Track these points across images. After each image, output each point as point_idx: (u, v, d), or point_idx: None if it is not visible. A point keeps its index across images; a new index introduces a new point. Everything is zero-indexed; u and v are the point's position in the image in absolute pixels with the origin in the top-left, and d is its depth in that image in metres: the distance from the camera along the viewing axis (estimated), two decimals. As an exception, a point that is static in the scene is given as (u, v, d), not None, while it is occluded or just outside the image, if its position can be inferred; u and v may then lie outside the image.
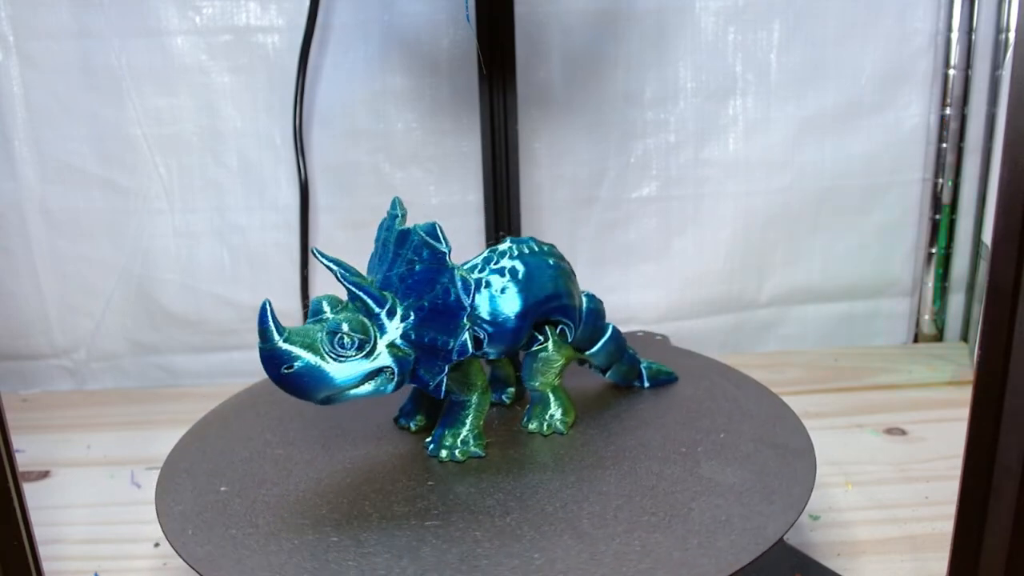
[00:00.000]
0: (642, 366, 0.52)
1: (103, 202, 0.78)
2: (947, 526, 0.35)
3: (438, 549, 0.35)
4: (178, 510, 0.39)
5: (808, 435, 0.44)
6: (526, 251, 0.44)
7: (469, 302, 0.39)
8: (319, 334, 0.37)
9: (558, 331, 0.46)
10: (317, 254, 0.39)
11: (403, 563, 0.34)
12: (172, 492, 0.41)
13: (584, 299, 0.48)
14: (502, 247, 0.44)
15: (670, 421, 0.47)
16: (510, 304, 0.43)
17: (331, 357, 0.37)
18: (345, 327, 0.37)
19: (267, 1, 0.75)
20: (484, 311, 0.43)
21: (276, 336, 0.36)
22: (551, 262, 0.45)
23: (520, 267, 0.43)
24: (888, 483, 0.58)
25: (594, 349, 0.49)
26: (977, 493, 0.31)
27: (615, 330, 0.50)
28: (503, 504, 0.38)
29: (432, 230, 0.40)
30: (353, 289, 0.39)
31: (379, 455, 0.44)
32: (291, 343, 0.36)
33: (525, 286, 0.43)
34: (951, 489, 0.32)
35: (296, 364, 0.36)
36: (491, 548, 0.35)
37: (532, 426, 0.46)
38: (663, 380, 0.53)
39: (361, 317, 0.38)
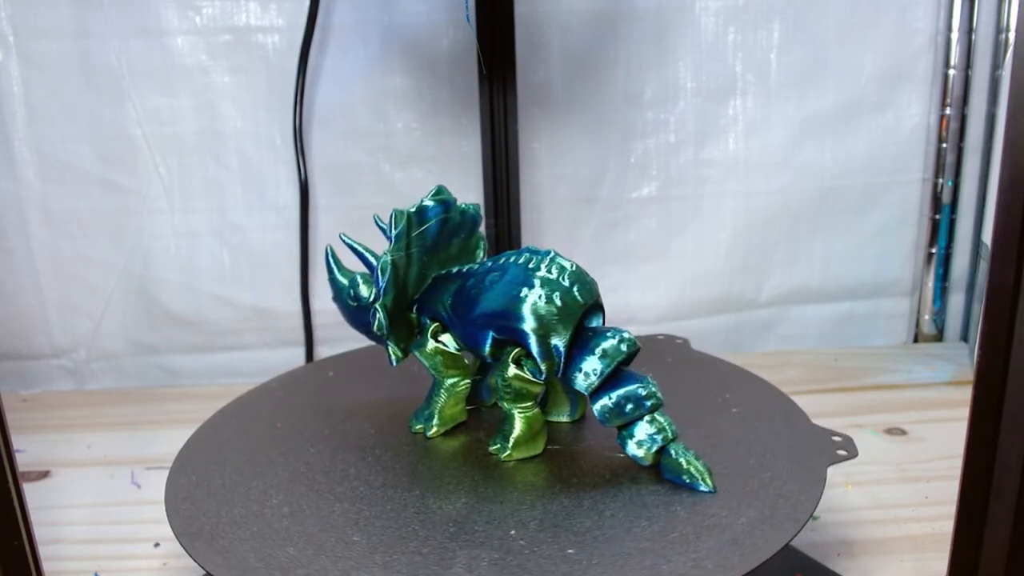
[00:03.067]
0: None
1: (103, 202, 0.78)
2: (947, 526, 0.35)
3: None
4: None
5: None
6: (523, 261, 0.42)
7: (379, 287, 0.43)
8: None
9: (512, 355, 0.42)
10: (344, 238, 0.46)
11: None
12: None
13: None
14: (526, 253, 0.43)
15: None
16: (467, 302, 0.43)
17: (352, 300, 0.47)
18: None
19: (267, 1, 0.75)
20: (449, 300, 0.44)
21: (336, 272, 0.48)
22: (533, 281, 0.41)
23: (499, 275, 0.42)
24: (888, 483, 0.58)
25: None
26: (977, 493, 0.31)
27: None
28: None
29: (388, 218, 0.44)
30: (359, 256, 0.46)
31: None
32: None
33: (488, 292, 0.42)
34: (951, 489, 0.32)
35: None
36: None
37: (491, 447, 0.44)
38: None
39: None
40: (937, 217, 0.83)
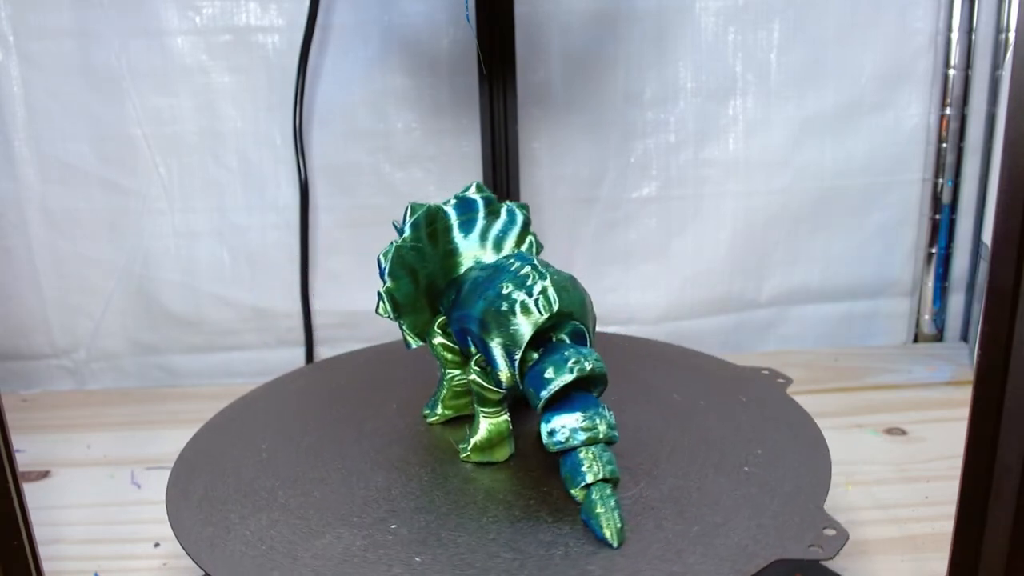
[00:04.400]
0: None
1: (103, 202, 0.78)
2: (947, 526, 0.35)
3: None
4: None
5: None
6: (506, 265, 0.41)
7: (380, 270, 0.42)
8: None
9: (477, 358, 0.41)
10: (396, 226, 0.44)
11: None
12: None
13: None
14: (513, 257, 0.42)
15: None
16: (457, 300, 0.42)
17: None
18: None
19: (267, 1, 0.75)
20: (452, 295, 0.44)
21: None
22: (501, 286, 0.39)
23: (484, 275, 0.42)
24: (888, 483, 0.58)
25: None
26: (977, 493, 0.31)
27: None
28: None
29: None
30: None
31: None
32: None
33: (470, 292, 0.41)
34: (951, 489, 0.32)
35: None
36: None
37: (459, 444, 0.44)
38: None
39: None
40: (937, 217, 0.83)
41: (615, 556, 0.34)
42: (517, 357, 0.38)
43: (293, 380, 0.55)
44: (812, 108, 0.79)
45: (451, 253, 0.45)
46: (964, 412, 0.31)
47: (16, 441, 0.34)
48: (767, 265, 0.83)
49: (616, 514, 0.35)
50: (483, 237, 0.45)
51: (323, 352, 0.83)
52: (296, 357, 0.83)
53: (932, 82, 0.79)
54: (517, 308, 0.38)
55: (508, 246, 0.46)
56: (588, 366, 0.37)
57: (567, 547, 0.35)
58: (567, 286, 0.39)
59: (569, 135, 0.79)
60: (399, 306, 0.43)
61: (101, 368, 0.83)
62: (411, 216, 0.43)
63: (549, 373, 0.37)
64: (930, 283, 0.85)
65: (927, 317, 0.86)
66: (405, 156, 0.79)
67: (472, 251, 0.45)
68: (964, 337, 0.86)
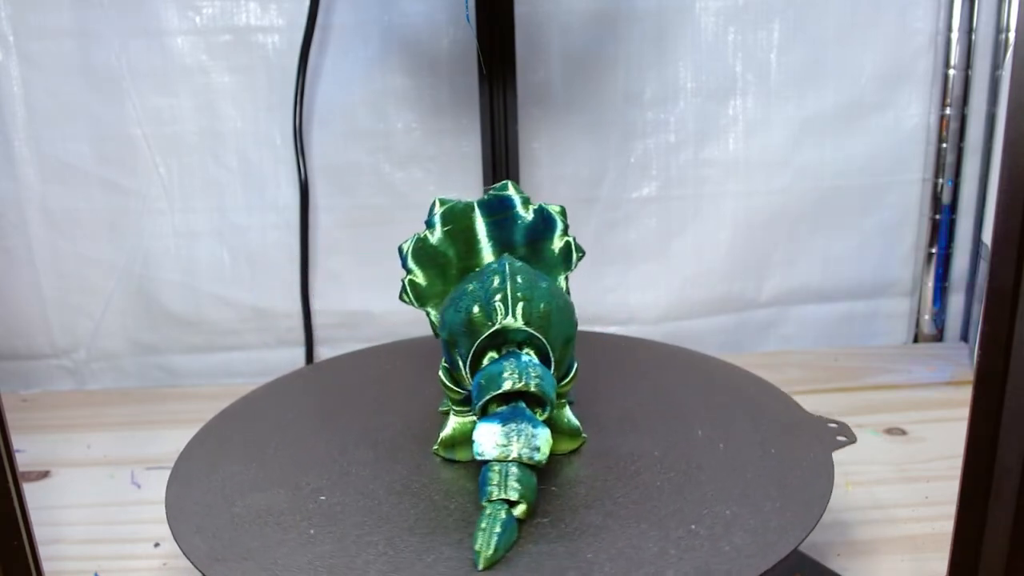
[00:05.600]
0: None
1: (103, 202, 0.78)
2: (947, 526, 0.35)
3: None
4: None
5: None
6: (487, 266, 0.42)
7: (401, 257, 0.43)
8: None
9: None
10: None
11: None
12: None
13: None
14: (502, 259, 0.43)
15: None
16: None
17: None
18: None
19: (267, 1, 0.75)
20: None
21: None
22: (467, 287, 0.40)
23: (472, 274, 0.42)
24: (888, 483, 0.58)
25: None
26: (977, 493, 0.31)
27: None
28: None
29: None
30: None
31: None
32: None
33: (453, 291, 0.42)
34: (951, 489, 0.32)
35: None
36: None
37: None
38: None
39: None
40: (937, 217, 0.83)
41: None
42: (464, 360, 0.38)
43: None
44: (812, 108, 0.79)
45: (476, 251, 0.44)
46: (964, 412, 0.31)
47: (16, 441, 0.34)
48: (767, 265, 0.83)
49: (495, 539, 0.34)
50: (511, 237, 0.44)
51: (323, 352, 0.83)
52: (296, 357, 0.83)
53: (932, 82, 0.79)
54: (474, 311, 0.38)
55: (541, 247, 0.44)
56: (522, 383, 0.36)
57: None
58: (537, 298, 0.39)
59: (569, 135, 0.79)
60: (422, 296, 0.43)
61: (101, 368, 0.83)
62: (434, 210, 0.43)
63: (483, 382, 0.37)
64: (930, 283, 0.85)
65: (927, 317, 0.86)
66: (405, 156, 0.79)
67: (497, 250, 0.44)
68: (964, 337, 0.86)
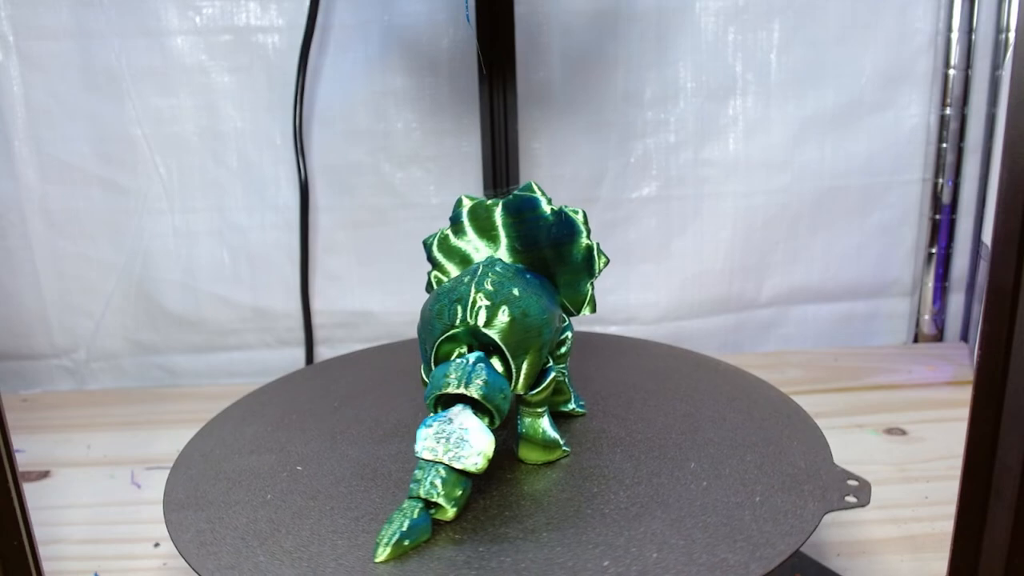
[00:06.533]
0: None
1: (103, 202, 0.78)
2: (947, 526, 0.35)
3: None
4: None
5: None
6: (474, 267, 0.41)
7: (427, 249, 0.44)
8: None
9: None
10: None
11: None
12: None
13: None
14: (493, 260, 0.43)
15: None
16: None
17: None
18: None
19: (267, 1, 0.75)
20: None
21: None
22: (445, 286, 0.40)
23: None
24: (888, 483, 0.58)
25: None
26: (977, 493, 0.31)
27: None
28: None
29: None
30: None
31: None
32: None
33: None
34: (951, 489, 0.32)
35: None
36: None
37: None
38: None
39: None
40: (937, 217, 0.83)
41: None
42: (427, 358, 0.38)
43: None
44: (812, 108, 0.79)
45: (497, 249, 0.44)
46: (964, 412, 0.31)
47: (16, 441, 0.34)
48: (767, 265, 0.83)
49: (398, 535, 0.34)
50: (535, 238, 0.43)
51: (323, 352, 0.83)
52: (296, 357, 0.83)
53: (932, 82, 0.79)
54: (438, 310, 0.38)
55: (564, 251, 0.44)
56: (461, 388, 0.36)
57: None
58: (500, 303, 0.37)
59: (569, 135, 0.79)
60: None
61: (101, 368, 0.83)
62: (456, 208, 0.43)
63: (432, 380, 0.37)
64: (930, 283, 0.85)
65: (927, 317, 0.86)
66: (405, 156, 0.79)
67: (520, 250, 0.43)
68: (964, 337, 0.86)
